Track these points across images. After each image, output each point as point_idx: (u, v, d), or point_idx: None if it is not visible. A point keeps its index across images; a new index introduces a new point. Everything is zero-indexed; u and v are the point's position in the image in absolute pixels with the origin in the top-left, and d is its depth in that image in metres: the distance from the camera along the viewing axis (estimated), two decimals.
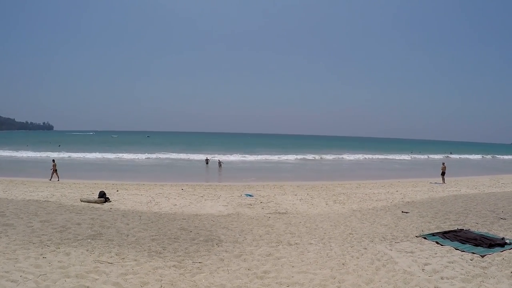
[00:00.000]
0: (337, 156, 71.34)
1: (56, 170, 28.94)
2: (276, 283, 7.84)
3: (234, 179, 33.39)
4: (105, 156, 55.43)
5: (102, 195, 18.41)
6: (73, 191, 21.07)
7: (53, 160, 30.40)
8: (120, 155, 57.14)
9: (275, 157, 62.09)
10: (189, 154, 61.06)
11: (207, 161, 51.95)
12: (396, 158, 78.12)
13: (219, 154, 61.36)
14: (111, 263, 8.59)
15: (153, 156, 57.67)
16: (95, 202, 17.69)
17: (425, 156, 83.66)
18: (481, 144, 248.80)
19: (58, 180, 28.02)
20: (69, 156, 52.89)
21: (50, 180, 27.97)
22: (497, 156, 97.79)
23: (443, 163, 35.17)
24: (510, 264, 9.16)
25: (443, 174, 33.15)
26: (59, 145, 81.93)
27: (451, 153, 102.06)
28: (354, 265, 9.11)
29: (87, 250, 9.45)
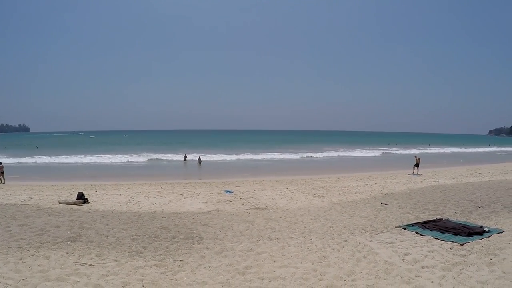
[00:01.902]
0: (317, 152, 71.25)
1: (3, 173, 28.46)
2: (258, 278, 7.91)
3: (214, 176, 33.44)
4: (83, 158, 54.30)
5: (80, 196, 18.22)
6: (51, 193, 20.80)
7: (0, 163, 30.06)
8: (98, 156, 56.12)
9: (256, 155, 61.55)
10: (168, 154, 60.05)
11: (185, 157, 52.26)
12: (377, 150, 78.98)
13: (199, 152, 60.93)
14: (91, 264, 8.57)
15: (132, 156, 56.65)
16: (74, 203, 17.51)
17: (406, 149, 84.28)
18: (460, 136, 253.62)
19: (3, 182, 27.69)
20: (48, 161, 51.61)
21: (3, 183, 27.54)
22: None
23: (416, 156, 36.54)
24: (489, 252, 9.45)
25: (417, 165, 34.20)
26: (37, 147, 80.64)
27: (429, 144, 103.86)
28: (335, 257, 9.25)
29: (67, 253, 9.41)
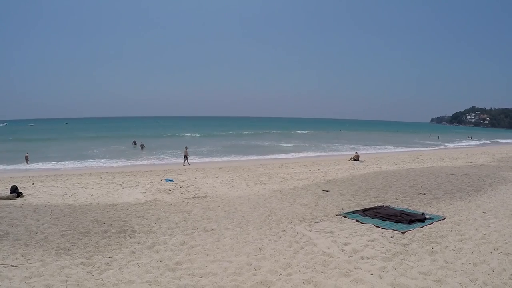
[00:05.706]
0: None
1: None
2: (189, 274, 7.66)
3: (157, 160, 33.14)
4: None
5: (14, 189, 17.47)
6: None
7: None
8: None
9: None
10: (111, 145, 58.23)
11: (134, 142, 54.77)
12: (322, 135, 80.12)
13: (141, 138, 60.28)
14: (15, 266, 8.12)
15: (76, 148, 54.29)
16: (7, 198, 16.76)
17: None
18: (404, 124, 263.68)
19: None
20: None
21: None
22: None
23: (356, 152, 38.19)
24: (431, 240, 9.55)
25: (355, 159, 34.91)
26: None
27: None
28: (272, 249, 9.08)
29: None
